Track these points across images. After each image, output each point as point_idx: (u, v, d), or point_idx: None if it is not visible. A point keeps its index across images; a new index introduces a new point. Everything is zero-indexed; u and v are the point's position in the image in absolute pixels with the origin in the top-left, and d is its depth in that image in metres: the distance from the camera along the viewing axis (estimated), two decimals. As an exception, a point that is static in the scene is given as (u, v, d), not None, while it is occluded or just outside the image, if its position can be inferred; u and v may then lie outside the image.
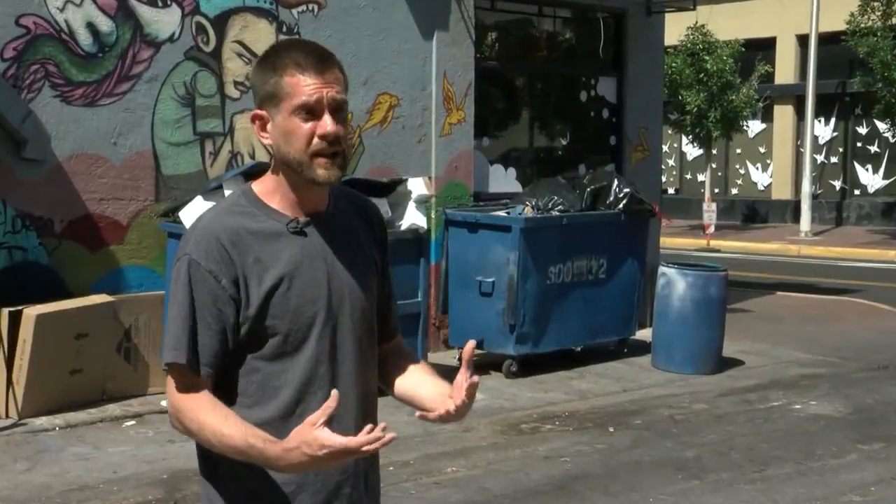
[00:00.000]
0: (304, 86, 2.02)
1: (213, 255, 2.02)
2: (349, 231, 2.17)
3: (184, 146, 7.69)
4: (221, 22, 7.83)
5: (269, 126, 2.08)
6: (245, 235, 2.05)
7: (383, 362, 2.27)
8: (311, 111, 2.03)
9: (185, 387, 2.02)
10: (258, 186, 2.13)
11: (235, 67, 7.89)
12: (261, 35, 7.99)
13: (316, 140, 2.02)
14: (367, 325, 2.16)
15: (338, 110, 2.05)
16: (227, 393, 2.05)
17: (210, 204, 4.97)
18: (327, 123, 2.03)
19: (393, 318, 2.32)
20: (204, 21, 7.75)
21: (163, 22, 7.55)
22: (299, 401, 2.05)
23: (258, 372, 2.05)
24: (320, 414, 1.88)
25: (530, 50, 10.45)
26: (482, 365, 8.15)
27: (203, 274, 2.02)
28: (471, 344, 2.06)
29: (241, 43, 7.89)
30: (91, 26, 7.23)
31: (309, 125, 2.03)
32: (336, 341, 2.09)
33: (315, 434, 1.86)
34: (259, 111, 2.09)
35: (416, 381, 2.23)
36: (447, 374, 2.27)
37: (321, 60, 2.05)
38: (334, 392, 1.91)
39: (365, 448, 1.86)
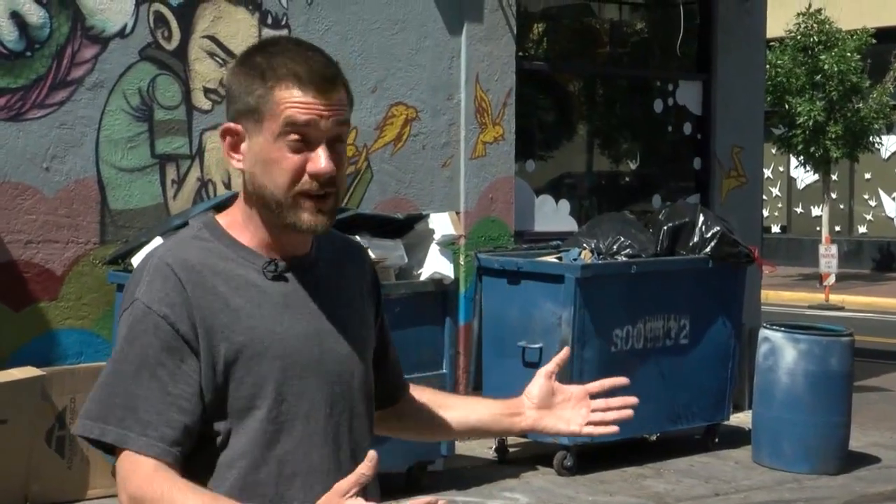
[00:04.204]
0: (301, 104, 2.08)
1: (167, 297, 2.05)
2: (337, 281, 2.23)
3: (138, 172, 7.76)
4: (188, 11, 7.92)
5: (243, 146, 2.14)
6: (209, 276, 2.07)
7: (403, 419, 2.42)
8: (304, 138, 2.08)
9: (142, 474, 2.02)
10: (224, 219, 2.19)
11: (206, 70, 7.99)
12: (238, 28, 8.09)
13: (305, 178, 2.09)
14: (368, 399, 2.23)
15: (337, 141, 2.12)
16: None
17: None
18: (321, 159, 2.08)
19: (402, 380, 2.46)
20: (165, 10, 7.84)
21: (111, 11, 7.64)
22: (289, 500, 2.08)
23: (232, 467, 2.06)
24: (353, 481, 1.93)
25: (588, 45, 10.51)
26: (527, 458, 8.13)
27: (154, 321, 2.04)
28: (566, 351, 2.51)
29: (213, 38, 7.99)
30: (16, 16, 7.32)
31: (298, 157, 2.08)
32: (332, 421, 2.14)
33: None
34: (233, 125, 2.16)
35: (463, 411, 2.46)
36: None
37: (328, 75, 2.11)
38: (371, 453, 1.96)
39: None
